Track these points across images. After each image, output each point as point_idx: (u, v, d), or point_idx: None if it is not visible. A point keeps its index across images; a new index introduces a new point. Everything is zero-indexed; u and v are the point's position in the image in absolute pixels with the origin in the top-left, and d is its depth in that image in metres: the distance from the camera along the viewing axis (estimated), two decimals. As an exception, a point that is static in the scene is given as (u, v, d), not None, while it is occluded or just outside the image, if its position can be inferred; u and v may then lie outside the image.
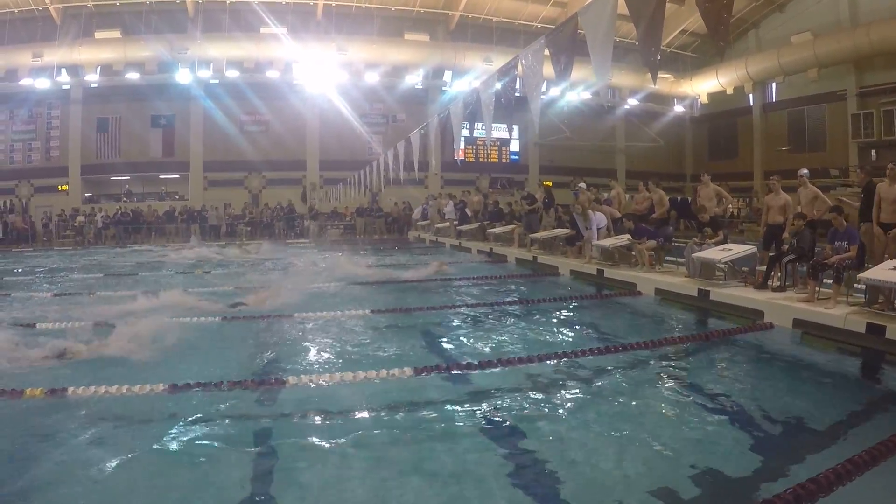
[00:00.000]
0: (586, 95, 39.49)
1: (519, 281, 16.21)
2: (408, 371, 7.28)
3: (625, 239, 14.87)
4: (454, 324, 10.87)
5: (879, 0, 30.95)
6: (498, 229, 22.95)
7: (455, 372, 7.45)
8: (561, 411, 6.29)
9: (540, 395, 6.76)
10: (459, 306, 12.23)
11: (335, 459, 5.13)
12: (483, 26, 39.25)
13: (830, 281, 9.62)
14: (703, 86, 41.73)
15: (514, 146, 42.23)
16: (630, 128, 43.42)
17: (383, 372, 7.19)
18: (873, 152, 32.80)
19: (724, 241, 12.81)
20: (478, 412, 6.23)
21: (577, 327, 10.78)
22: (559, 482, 4.71)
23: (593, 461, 5.06)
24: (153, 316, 10.02)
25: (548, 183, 37.84)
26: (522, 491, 4.59)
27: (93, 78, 35.16)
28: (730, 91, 40.09)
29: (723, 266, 11.79)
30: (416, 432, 5.66)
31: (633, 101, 41.79)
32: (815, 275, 9.67)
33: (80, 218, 33.91)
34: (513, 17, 39.06)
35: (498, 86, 13.80)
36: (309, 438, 5.55)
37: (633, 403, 6.48)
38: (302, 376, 7.21)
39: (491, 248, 21.79)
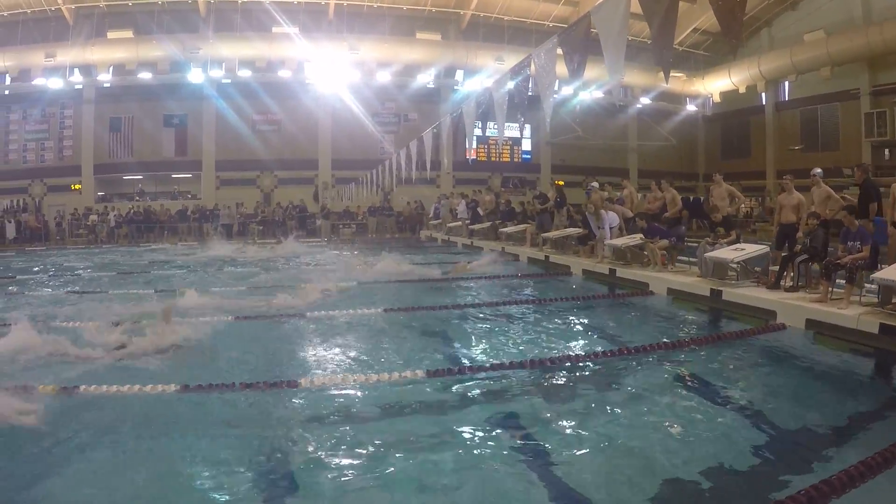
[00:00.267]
0: (598, 94, 39.32)
1: (532, 280, 16.20)
2: (420, 373, 7.29)
3: (637, 238, 14.84)
4: (466, 325, 10.88)
5: (893, -2, 30.74)
6: (510, 229, 22.96)
7: (469, 374, 7.44)
8: (574, 412, 6.27)
9: (552, 397, 6.76)
10: (470, 306, 12.22)
11: (350, 462, 5.14)
12: (495, 25, 39.22)
13: (843, 281, 9.57)
14: (716, 84, 41.51)
15: (526, 145, 42.14)
16: (642, 127, 43.28)
17: (395, 375, 7.20)
18: (886, 151, 32.65)
19: (737, 241, 12.76)
20: (492, 414, 6.23)
21: (590, 328, 10.76)
22: (574, 484, 4.70)
23: (606, 461, 5.07)
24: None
25: (560, 182, 37.75)
26: (536, 491, 4.60)
27: (105, 78, 35.42)
28: (742, 90, 39.88)
29: (735, 266, 11.75)
30: (425, 435, 5.64)
31: (645, 100, 41.63)
32: (828, 275, 9.62)
33: (93, 217, 34.19)
34: (524, 16, 39.01)
35: (510, 85, 13.80)
36: (324, 440, 5.57)
37: (645, 404, 6.46)
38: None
39: (503, 248, 21.76)
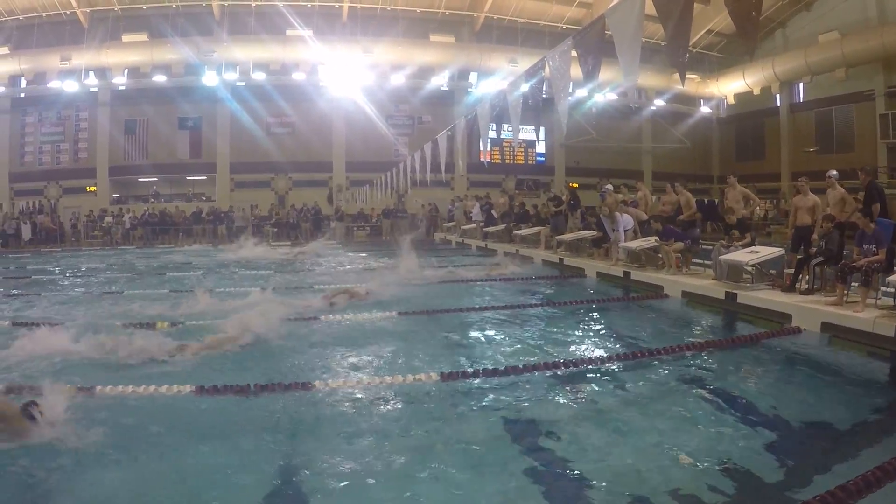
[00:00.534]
0: (612, 96, 39.23)
1: (546, 282, 16.19)
2: (434, 376, 7.32)
3: (652, 241, 14.80)
4: (480, 328, 10.89)
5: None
6: (524, 231, 22.95)
7: (483, 377, 7.43)
8: (589, 415, 6.29)
9: (566, 400, 6.78)
10: (486, 309, 12.23)
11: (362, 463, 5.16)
12: (508, 27, 39.20)
13: (858, 284, 9.52)
14: (730, 86, 41.29)
15: (541, 147, 42.14)
16: (656, 129, 43.09)
17: (409, 377, 7.24)
18: (901, 153, 32.44)
19: (752, 244, 12.70)
20: (506, 417, 6.24)
21: (604, 331, 10.76)
22: (588, 487, 4.72)
23: (621, 465, 5.07)
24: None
25: (574, 184, 37.70)
26: (552, 494, 4.61)
27: (120, 80, 35.58)
28: (756, 91, 39.65)
29: (750, 269, 11.72)
30: (438, 437, 5.68)
31: (659, 102, 41.37)
32: (843, 278, 9.57)
33: (108, 219, 34.46)
34: (538, 18, 38.95)
35: (525, 87, 13.79)
36: (337, 443, 5.60)
37: (660, 407, 6.46)
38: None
39: (517, 250, 21.74)
